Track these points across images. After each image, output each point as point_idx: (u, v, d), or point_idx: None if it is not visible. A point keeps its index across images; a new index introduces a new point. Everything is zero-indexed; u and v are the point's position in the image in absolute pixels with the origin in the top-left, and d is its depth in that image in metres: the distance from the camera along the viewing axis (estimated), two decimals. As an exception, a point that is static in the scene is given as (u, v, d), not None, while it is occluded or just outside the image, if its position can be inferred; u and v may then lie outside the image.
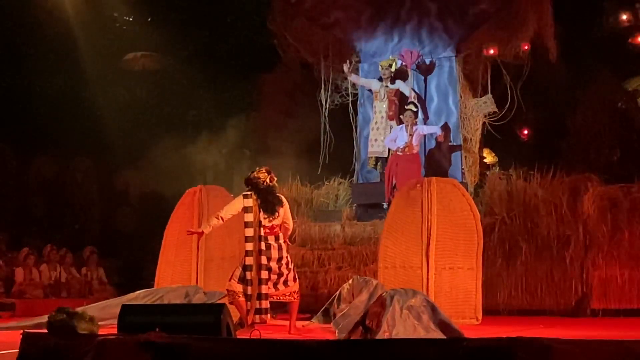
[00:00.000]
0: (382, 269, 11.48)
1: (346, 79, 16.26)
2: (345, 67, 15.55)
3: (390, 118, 15.12)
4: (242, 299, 9.39)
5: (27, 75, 19.36)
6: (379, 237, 12.46)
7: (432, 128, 14.98)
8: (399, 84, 15.25)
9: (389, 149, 14.94)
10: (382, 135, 15.08)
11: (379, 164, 15.32)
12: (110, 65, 19.49)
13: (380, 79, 15.37)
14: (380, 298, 8.35)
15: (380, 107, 15.24)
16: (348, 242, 14.37)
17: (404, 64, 15.44)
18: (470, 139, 15.67)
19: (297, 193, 15.59)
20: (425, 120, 15.35)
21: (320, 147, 16.41)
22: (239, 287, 9.41)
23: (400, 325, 7.85)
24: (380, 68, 15.37)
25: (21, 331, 6.76)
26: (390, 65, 15.25)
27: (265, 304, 9.39)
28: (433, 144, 15.32)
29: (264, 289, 9.37)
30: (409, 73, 15.36)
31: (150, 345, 6.11)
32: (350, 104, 16.41)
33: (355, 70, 16.16)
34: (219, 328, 6.87)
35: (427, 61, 15.66)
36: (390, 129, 14.98)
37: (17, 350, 6.56)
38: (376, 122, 15.25)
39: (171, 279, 11.75)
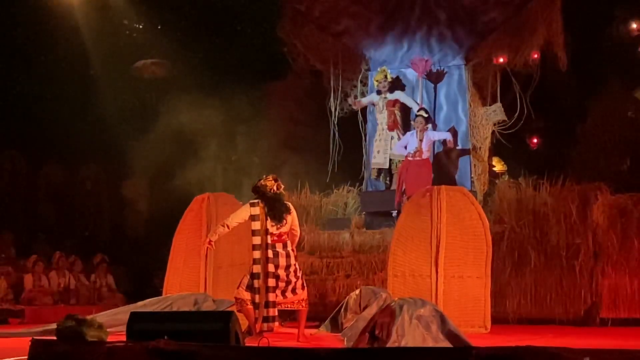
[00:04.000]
0: (391, 277, 11.49)
1: (355, 86, 16.29)
2: (350, 100, 15.70)
3: (390, 128, 15.10)
4: (250, 306, 9.40)
5: (38, 82, 19.41)
6: (388, 245, 12.45)
7: (443, 134, 14.95)
8: (398, 94, 15.24)
9: (390, 160, 14.98)
10: (382, 147, 15.10)
11: (382, 175, 15.33)
12: (120, 72, 19.52)
13: (379, 92, 15.35)
14: (389, 308, 8.33)
15: (382, 119, 15.26)
16: (357, 250, 14.36)
17: (405, 70, 15.50)
18: (480, 148, 15.65)
19: (306, 201, 15.58)
20: (435, 129, 15.33)
21: (329, 155, 16.40)
22: (247, 295, 9.41)
23: (410, 335, 7.84)
24: (376, 84, 15.37)
25: (30, 338, 6.77)
26: (385, 77, 15.23)
27: (273, 311, 9.39)
28: (440, 147, 15.29)
29: (272, 297, 9.37)
30: (420, 81, 15.34)
31: (158, 353, 6.12)
32: (359, 112, 16.40)
33: (365, 79, 16.21)
34: (227, 336, 6.87)
35: (437, 69, 15.65)
36: (391, 139, 15.00)
37: (26, 357, 6.57)
38: (379, 134, 15.28)
39: (180, 286, 11.75)
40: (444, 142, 14.93)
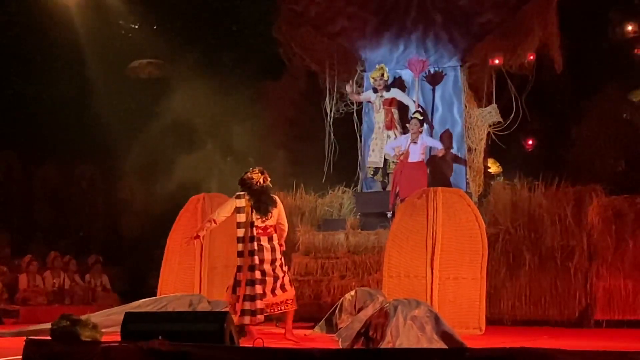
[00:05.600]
0: (387, 278, 11.50)
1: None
2: (349, 88, 15.59)
3: (387, 127, 15.10)
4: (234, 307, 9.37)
5: (34, 83, 19.41)
6: (383, 246, 12.45)
7: (435, 143, 14.84)
8: (395, 92, 15.23)
9: (385, 159, 14.99)
10: (379, 145, 15.11)
11: (377, 174, 15.33)
12: (116, 72, 19.51)
13: (375, 90, 15.34)
14: (384, 308, 8.34)
15: (379, 118, 15.26)
16: (352, 251, 14.33)
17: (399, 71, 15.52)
18: (475, 149, 15.64)
19: (301, 201, 15.57)
20: (431, 130, 15.34)
21: (324, 156, 16.40)
22: (233, 297, 9.40)
23: (404, 335, 7.84)
24: (372, 81, 15.35)
25: (24, 338, 6.77)
26: (382, 75, 15.21)
27: (260, 304, 9.32)
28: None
29: (259, 289, 9.31)
30: (416, 82, 15.34)
31: (153, 353, 6.12)
32: (355, 113, 16.39)
33: (360, 80, 16.21)
34: (222, 336, 6.87)
35: (435, 70, 15.65)
36: (388, 138, 15.01)
37: (21, 356, 6.56)
38: (376, 133, 15.29)
39: (174, 287, 11.77)
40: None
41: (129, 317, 7.25)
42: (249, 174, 9.60)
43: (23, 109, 19.41)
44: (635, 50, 19.25)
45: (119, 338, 7.01)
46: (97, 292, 16.58)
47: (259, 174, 9.57)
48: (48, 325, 7.46)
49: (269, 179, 9.65)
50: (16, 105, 19.38)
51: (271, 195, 9.69)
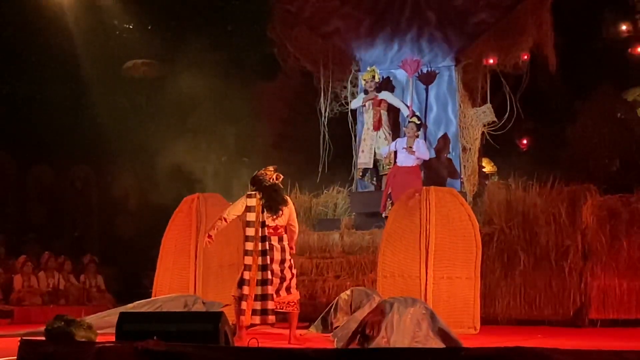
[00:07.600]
0: (381, 277, 11.49)
1: (345, 87, 16.31)
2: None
3: (375, 128, 15.14)
4: (239, 304, 9.36)
5: (28, 83, 19.37)
6: (377, 246, 12.46)
7: (424, 154, 14.72)
8: (385, 95, 15.26)
9: (375, 160, 15.01)
10: (367, 147, 15.14)
11: (367, 175, 15.34)
12: (110, 72, 19.48)
13: (366, 92, 15.36)
14: (380, 306, 8.34)
15: (368, 119, 15.30)
16: (347, 251, 14.35)
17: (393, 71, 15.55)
18: (470, 149, 15.66)
19: (296, 201, 15.46)
20: (425, 130, 15.35)
21: (319, 156, 16.40)
22: (238, 292, 9.38)
23: (399, 332, 7.84)
24: (363, 83, 15.39)
25: (19, 338, 6.76)
26: (373, 77, 15.24)
27: (271, 304, 9.32)
28: (433, 153, 15.31)
29: (270, 289, 9.30)
30: (410, 82, 15.35)
31: (148, 353, 6.11)
32: (349, 113, 16.41)
33: (355, 80, 16.23)
34: (217, 336, 6.86)
35: (428, 70, 15.65)
36: (378, 139, 15.04)
37: (15, 357, 6.55)
38: (364, 134, 15.32)
39: (169, 287, 11.74)
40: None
41: (123, 317, 7.23)
42: (262, 171, 9.60)
43: (17, 109, 19.38)
44: (629, 50, 19.25)
45: (113, 339, 7.00)
46: (91, 293, 16.56)
47: (272, 172, 9.57)
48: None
49: (281, 177, 9.63)
50: (10, 105, 19.34)
51: (283, 194, 9.66)
